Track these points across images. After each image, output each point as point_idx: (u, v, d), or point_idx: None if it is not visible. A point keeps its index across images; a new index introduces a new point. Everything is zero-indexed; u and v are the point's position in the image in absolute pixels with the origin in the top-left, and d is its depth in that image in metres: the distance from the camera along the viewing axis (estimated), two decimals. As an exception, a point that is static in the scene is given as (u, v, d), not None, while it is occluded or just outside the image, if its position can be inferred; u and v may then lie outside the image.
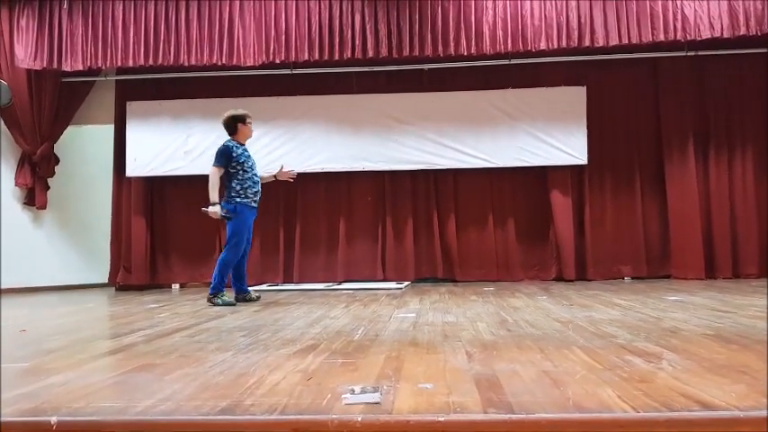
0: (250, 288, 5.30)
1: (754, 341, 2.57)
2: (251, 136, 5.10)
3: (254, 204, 4.93)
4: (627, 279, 6.77)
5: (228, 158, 4.84)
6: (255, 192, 4.92)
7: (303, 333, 3.24)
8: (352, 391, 1.87)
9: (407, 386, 1.93)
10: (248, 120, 4.99)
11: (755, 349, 2.39)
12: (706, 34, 5.95)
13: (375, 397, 1.80)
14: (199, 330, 3.44)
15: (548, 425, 1.53)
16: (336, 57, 6.37)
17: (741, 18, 5.86)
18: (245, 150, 4.98)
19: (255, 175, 4.96)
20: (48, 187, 7.29)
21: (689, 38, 6.01)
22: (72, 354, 2.74)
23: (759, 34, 5.91)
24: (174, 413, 1.69)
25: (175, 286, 7.34)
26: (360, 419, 1.60)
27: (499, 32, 6.22)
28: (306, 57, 6.39)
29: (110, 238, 7.33)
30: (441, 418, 1.57)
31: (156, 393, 1.91)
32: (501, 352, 2.51)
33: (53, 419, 1.64)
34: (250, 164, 4.94)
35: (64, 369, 2.35)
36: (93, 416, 1.67)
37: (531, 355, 2.43)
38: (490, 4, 6.24)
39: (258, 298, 5.20)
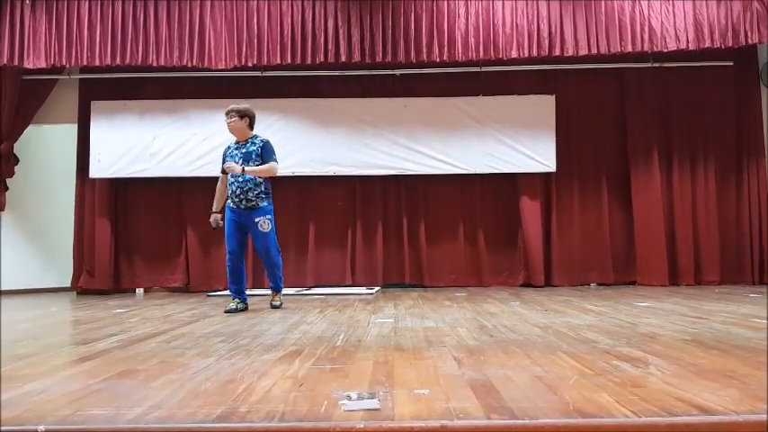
0: (218, 292, 5.14)
1: (733, 346, 2.64)
2: (233, 133, 4.74)
3: (231, 205, 4.71)
4: (593, 285, 6.89)
5: (222, 160, 4.85)
6: (231, 192, 4.69)
7: (283, 339, 3.18)
8: (349, 398, 1.84)
9: (403, 392, 1.91)
10: (226, 117, 4.74)
11: (736, 354, 2.45)
12: (672, 46, 6.13)
13: (374, 403, 1.78)
14: (174, 336, 3.35)
15: (552, 430, 1.53)
16: (309, 61, 6.33)
17: (706, 31, 6.06)
18: (239, 148, 4.72)
19: (236, 175, 4.65)
20: (6, 188, 7.04)
21: (655, 49, 6.18)
22: (45, 360, 2.63)
23: (722, 47, 6.13)
24: (168, 421, 1.64)
25: (139, 291, 7.17)
26: (362, 426, 1.57)
27: (471, 40, 6.28)
28: (278, 60, 6.34)
29: (72, 240, 7.11)
30: (445, 424, 1.56)
31: (145, 401, 1.84)
32: (488, 357, 2.51)
33: (40, 428, 1.56)
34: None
35: (40, 376, 2.25)
36: (83, 424, 1.61)
37: (519, 360, 2.44)
38: (462, 12, 6.30)
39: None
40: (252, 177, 4.62)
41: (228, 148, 4.82)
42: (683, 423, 1.53)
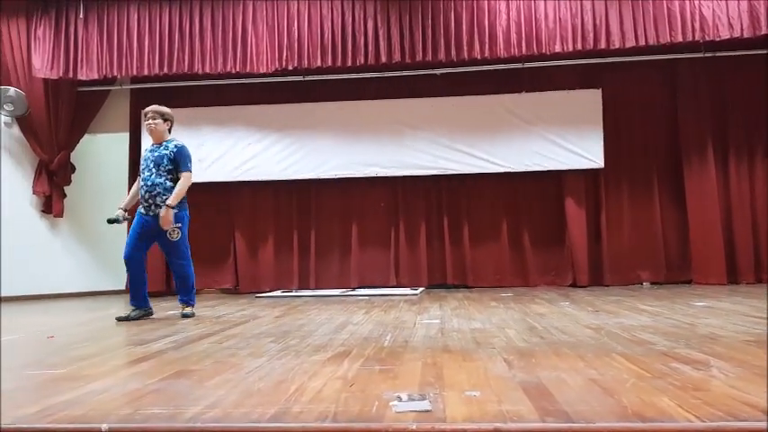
0: (266, 294, 5.10)
1: (799, 346, 2.53)
2: (151, 135, 4.55)
3: (141, 210, 4.44)
4: (645, 284, 6.70)
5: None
6: (141, 196, 4.44)
7: (331, 339, 3.21)
8: (400, 399, 1.84)
9: (454, 394, 1.90)
10: (145, 118, 4.58)
11: (803, 354, 2.35)
12: (725, 35, 5.86)
13: (425, 404, 1.77)
14: (225, 336, 3.42)
15: (610, 433, 1.50)
16: (349, 63, 6.35)
17: (762, 18, 5.78)
18: (153, 151, 4.51)
19: (146, 179, 4.42)
20: (64, 195, 7.31)
21: (707, 38, 5.93)
22: (105, 360, 2.72)
23: (780, 34, 5.85)
24: (224, 420, 1.67)
25: (191, 293, 7.31)
26: (415, 427, 1.57)
27: (513, 36, 6.17)
28: (318, 63, 6.37)
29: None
30: (499, 426, 1.54)
31: (201, 400, 1.88)
32: (539, 359, 2.47)
33: (104, 427, 1.62)
34: (144, 167, 4.49)
35: (101, 376, 2.33)
36: (145, 423, 1.65)
37: (572, 362, 2.39)
38: (503, 8, 6.20)
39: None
40: (161, 181, 4.38)
41: (147, 150, 4.60)
42: (752, 429, 1.46)
